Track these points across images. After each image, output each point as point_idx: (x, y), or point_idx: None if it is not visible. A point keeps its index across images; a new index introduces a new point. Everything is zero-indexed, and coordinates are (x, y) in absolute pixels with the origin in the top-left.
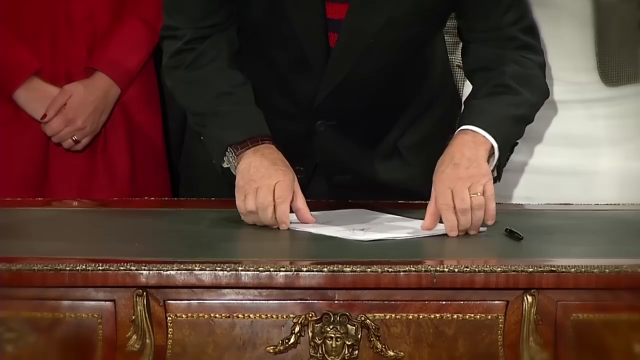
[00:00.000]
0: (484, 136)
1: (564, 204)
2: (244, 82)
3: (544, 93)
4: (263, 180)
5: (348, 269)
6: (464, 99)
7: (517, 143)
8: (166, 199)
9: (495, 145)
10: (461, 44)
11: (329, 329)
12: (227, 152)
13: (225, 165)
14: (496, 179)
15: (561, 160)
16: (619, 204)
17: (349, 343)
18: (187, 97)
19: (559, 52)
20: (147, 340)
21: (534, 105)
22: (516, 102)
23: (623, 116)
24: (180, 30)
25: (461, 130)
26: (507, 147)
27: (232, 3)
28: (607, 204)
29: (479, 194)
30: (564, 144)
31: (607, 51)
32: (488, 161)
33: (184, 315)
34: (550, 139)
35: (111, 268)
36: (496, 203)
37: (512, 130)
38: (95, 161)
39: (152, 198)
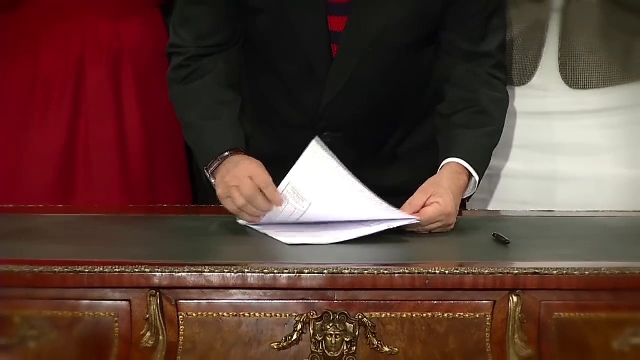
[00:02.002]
0: (472, 175)
1: (548, 210)
2: (231, 99)
3: (507, 110)
4: (238, 179)
5: (347, 271)
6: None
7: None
8: (177, 206)
9: (478, 180)
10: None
11: (329, 327)
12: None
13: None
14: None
15: (552, 166)
16: (598, 211)
17: (348, 340)
18: (177, 110)
19: (552, 64)
20: (160, 337)
21: (502, 130)
22: (493, 132)
23: (610, 127)
24: (183, 47)
25: (458, 164)
26: (481, 178)
27: (236, 23)
28: (587, 211)
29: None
30: (554, 152)
31: (570, 55)
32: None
33: (194, 314)
34: (542, 147)
35: (127, 270)
36: (486, 210)
37: (489, 159)
38: (116, 170)
39: (165, 205)
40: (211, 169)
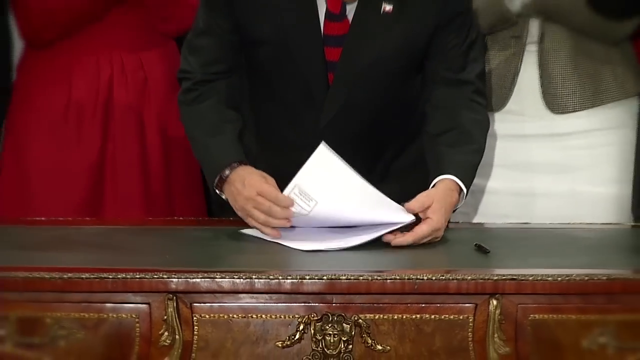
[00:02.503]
0: (463, 190)
1: (524, 223)
2: (232, 119)
3: (487, 131)
4: (251, 200)
5: (344, 277)
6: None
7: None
8: (191, 218)
9: (465, 192)
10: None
11: (327, 327)
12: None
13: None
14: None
15: (529, 184)
16: (570, 223)
17: (345, 339)
18: (186, 128)
19: (527, 91)
20: (177, 337)
21: (484, 149)
22: (477, 150)
23: (583, 147)
24: (191, 73)
25: (451, 180)
26: (468, 190)
27: (239, 53)
28: (560, 223)
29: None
30: (531, 171)
31: (551, 82)
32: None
33: (207, 316)
34: (520, 166)
35: (147, 276)
36: (469, 223)
37: (473, 176)
38: (139, 186)
39: (181, 218)
40: (215, 183)
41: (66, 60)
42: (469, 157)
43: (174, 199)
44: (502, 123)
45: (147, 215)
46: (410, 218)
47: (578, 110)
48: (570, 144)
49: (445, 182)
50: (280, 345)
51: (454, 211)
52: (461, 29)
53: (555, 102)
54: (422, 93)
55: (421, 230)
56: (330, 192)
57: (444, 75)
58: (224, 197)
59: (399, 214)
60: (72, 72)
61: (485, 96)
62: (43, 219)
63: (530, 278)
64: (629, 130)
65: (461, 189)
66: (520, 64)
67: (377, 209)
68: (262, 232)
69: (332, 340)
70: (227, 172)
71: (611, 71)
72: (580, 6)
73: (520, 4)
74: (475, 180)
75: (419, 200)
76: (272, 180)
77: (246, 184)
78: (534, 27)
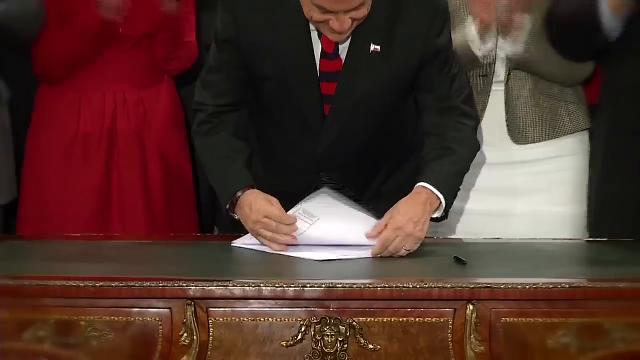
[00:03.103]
0: (437, 196)
1: (497, 238)
2: (242, 149)
3: (475, 148)
4: (259, 222)
5: (340, 285)
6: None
7: (460, 189)
8: (208, 234)
9: (443, 201)
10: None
11: (326, 329)
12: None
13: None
14: (443, 218)
15: (500, 206)
16: (535, 239)
17: (341, 339)
18: (202, 157)
19: (495, 125)
20: (194, 337)
21: (469, 159)
22: (456, 161)
23: (544, 173)
24: (205, 106)
25: (421, 185)
26: (452, 196)
27: (246, 88)
28: (527, 239)
29: (408, 250)
30: (501, 195)
31: (515, 117)
32: (437, 209)
33: (221, 319)
34: (491, 191)
35: (168, 285)
36: (449, 238)
37: (455, 183)
38: (142, 206)
39: (194, 234)
40: (228, 206)
41: (75, 95)
42: (445, 167)
43: (172, 217)
44: None
45: (149, 231)
46: (369, 243)
47: (538, 141)
48: (531, 170)
49: (415, 190)
50: (284, 345)
51: (440, 219)
52: (444, 63)
53: (519, 134)
54: (415, 122)
55: (384, 236)
56: (330, 212)
57: (432, 105)
58: (236, 217)
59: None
60: (81, 105)
61: (472, 117)
62: (72, 234)
63: (502, 286)
64: (581, 157)
65: (434, 193)
66: (488, 101)
67: (358, 236)
68: (271, 248)
69: (329, 341)
70: (238, 195)
71: (566, 108)
72: (550, 60)
73: (489, 53)
74: (455, 203)
75: (376, 227)
76: (276, 202)
77: (253, 209)
78: (500, 67)
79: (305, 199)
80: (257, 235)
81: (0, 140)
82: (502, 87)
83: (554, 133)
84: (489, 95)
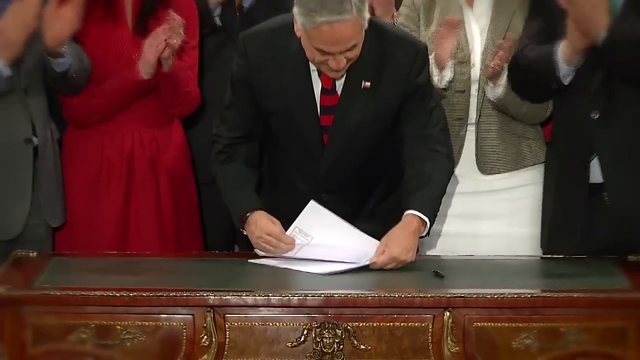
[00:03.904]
0: (424, 220)
1: (470, 255)
2: (251, 176)
3: (450, 172)
4: (261, 238)
5: (337, 295)
6: None
7: (439, 209)
8: (225, 252)
9: (429, 223)
10: None
11: (325, 332)
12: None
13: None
14: (427, 235)
15: (470, 228)
16: (502, 255)
17: (337, 341)
18: (218, 181)
19: (468, 160)
20: (213, 339)
21: (445, 184)
22: (434, 187)
23: (508, 200)
24: (221, 137)
25: (411, 214)
26: (434, 217)
27: (257, 122)
28: (494, 255)
29: (402, 262)
30: (472, 219)
31: (483, 152)
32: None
33: (236, 324)
34: (463, 216)
35: (191, 295)
36: (428, 255)
37: (436, 206)
38: (156, 229)
39: (213, 251)
40: (238, 224)
41: (99, 136)
42: (427, 194)
43: (180, 237)
44: (450, 184)
45: (161, 249)
46: (359, 261)
47: (503, 173)
48: (497, 198)
49: (404, 218)
50: (289, 346)
51: (423, 236)
52: (423, 98)
53: (486, 167)
54: (399, 150)
55: (381, 261)
56: (322, 230)
57: (411, 134)
58: (244, 233)
59: (367, 253)
60: (104, 144)
61: (447, 144)
62: (109, 252)
63: (474, 296)
64: (539, 186)
65: (422, 218)
66: (464, 141)
67: (354, 246)
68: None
69: (328, 342)
70: (247, 215)
71: (527, 144)
72: (519, 102)
73: (465, 99)
74: (434, 227)
75: (381, 242)
76: (278, 223)
77: (258, 227)
78: (472, 111)
79: (298, 219)
80: (260, 249)
81: (53, 174)
82: (473, 127)
83: (516, 166)
84: (465, 137)
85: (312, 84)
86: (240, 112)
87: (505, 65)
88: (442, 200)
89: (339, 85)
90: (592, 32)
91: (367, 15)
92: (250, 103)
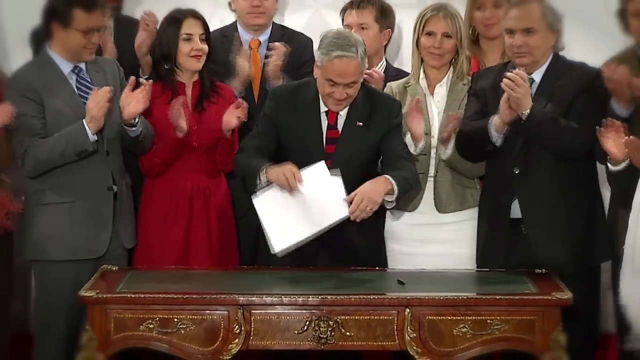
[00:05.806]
0: (391, 182)
1: (422, 269)
2: (268, 161)
3: (417, 179)
4: (280, 174)
5: (330, 297)
6: None
7: (406, 192)
8: (250, 266)
9: (395, 187)
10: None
11: (321, 323)
12: (259, 176)
13: (258, 186)
14: (395, 202)
15: (429, 250)
16: (448, 269)
17: (330, 329)
18: (243, 168)
19: (428, 202)
20: (242, 328)
21: (415, 181)
22: (406, 176)
23: (456, 230)
24: (248, 147)
25: (382, 175)
26: (401, 191)
27: (273, 138)
28: (443, 269)
29: (371, 209)
30: (429, 243)
31: (439, 197)
32: (391, 193)
33: (258, 317)
34: (422, 241)
35: (227, 297)
36: (393, 269)
37: (404, 185)
38: (207, 251)
39: (244, 266)
40: (261, 178)
41: (167, 183)
42: (397, 172)
43: (223, 256)
44: (413, 217)
45: (209, 265)
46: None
47: (452, 212)
48: (447, 228)
49: (383, 178)
50: (296, 333)
51: (391, 202)
52: (396, 134)
53: (440, 207)
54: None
55: (352, 198)
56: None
57: (388, 157)
58: (261, 179)
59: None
60: (171, 189)
61: (412, 161)
62: (169, 267)
63: (427, 297)
64: (476, 220)
65: (391, 182)
66: (425, 189)
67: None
68: (283, 184)
69: (323, 330)
70: (268, 164)
71: (470, 191)
72: (464, 163)
73: (426, 158)
74: (397, 248)
75: (350, 195)
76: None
77: (279, 166)
78: (432, 168)
79: (305, 170)
80: (279, 177)
81: (127, 211)
82: (432, 179)
83: (462, 206)
84: (426, 184)
85: (321, 122)
86: (267, 137)
87: (453, 135)
88: (406, 228)
89: (340, 123)
90: (519, 110)
91: (366, 66)
92: (274, 133)
